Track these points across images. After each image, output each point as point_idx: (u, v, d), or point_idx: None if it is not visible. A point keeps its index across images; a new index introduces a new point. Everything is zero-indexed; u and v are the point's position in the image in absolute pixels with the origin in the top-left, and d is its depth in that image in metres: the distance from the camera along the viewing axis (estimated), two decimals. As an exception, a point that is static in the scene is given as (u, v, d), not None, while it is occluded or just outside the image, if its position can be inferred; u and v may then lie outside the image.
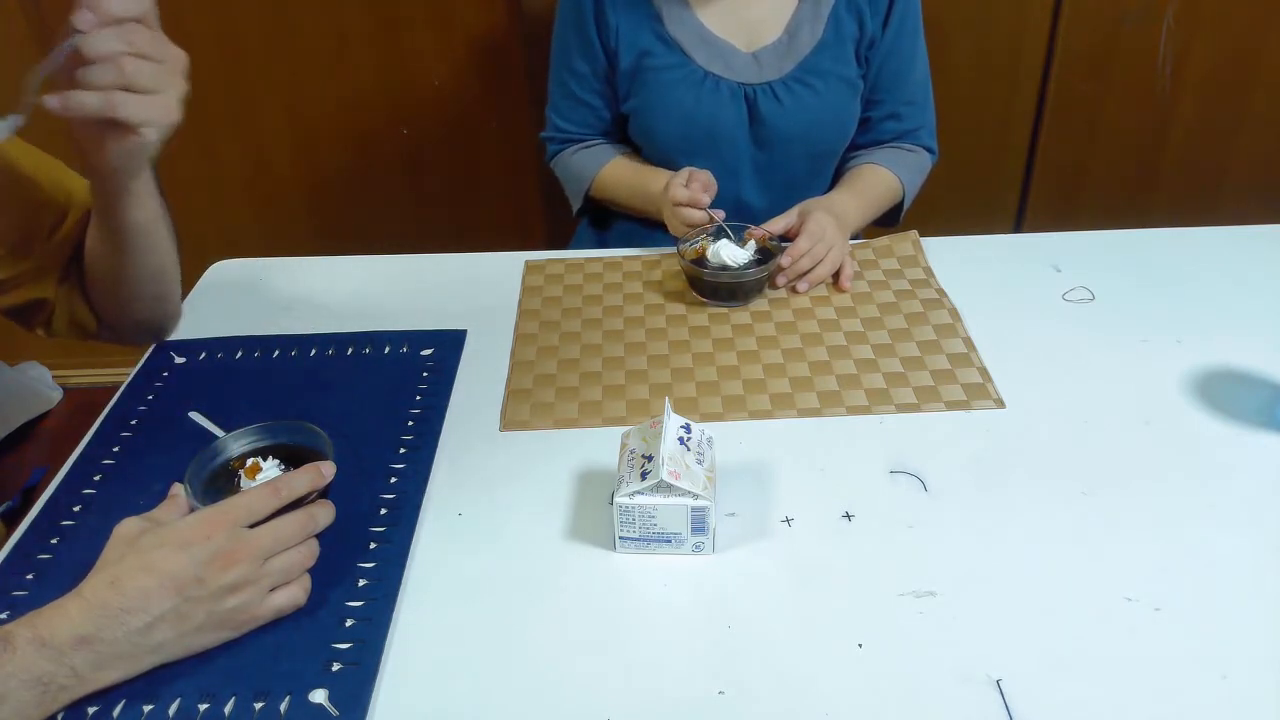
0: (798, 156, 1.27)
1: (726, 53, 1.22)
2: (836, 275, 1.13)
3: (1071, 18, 1.78)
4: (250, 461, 0.80)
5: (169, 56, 0.68)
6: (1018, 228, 2.05)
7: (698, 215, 1.12)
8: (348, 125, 1.89)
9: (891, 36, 1.23)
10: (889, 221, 1.33)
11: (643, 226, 1.35)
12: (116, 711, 0.66)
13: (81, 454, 0.90)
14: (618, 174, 1.32)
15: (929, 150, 1.34)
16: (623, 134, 1.36)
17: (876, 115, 1.30)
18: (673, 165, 1.27)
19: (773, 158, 1.27)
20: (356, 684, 0.67)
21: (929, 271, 1.15)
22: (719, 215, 1.12)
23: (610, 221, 1.41)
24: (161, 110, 0.69)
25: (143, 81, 0.66)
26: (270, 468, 0.80)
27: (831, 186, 1.32)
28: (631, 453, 0.79)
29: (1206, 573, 0.75)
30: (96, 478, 0.87)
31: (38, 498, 0.85)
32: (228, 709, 0.66)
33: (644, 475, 0.75)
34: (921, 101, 1.31)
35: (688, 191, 1.12)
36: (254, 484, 0.77)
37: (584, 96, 1.31)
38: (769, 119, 1.23)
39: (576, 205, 1.36)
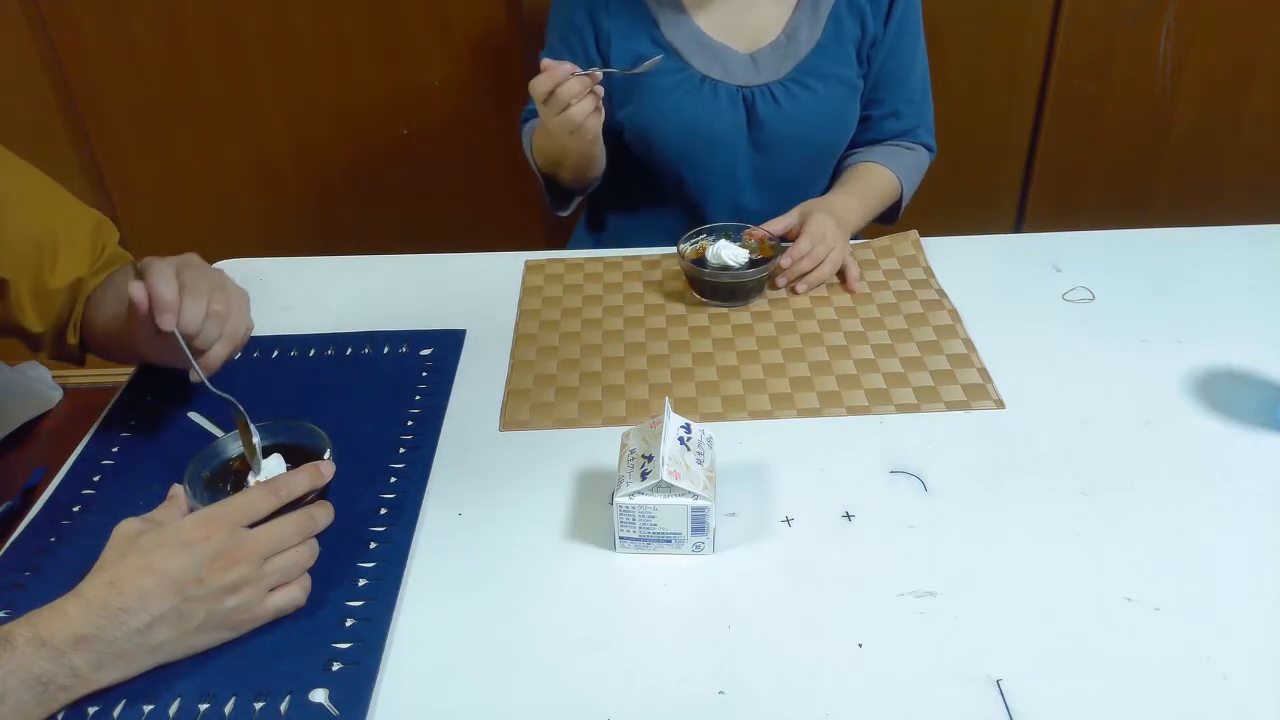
0: (796, 158, 1.27)
1: (724, 56, 1.22)
2: (844, 276, 1.12)
3: (1071, 18, 1.78)
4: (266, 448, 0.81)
5: (235, 299, 0.86)
6: (1018, 228, 2.04)
7: (571, 86, 1.02)
8: (348, 125, 1.89)
9: (894, 35, 1.23)
10: (886, 219, 1.33)
11: (640, 226, 1.35)
12: (116, 711, 0.66)
13: (81, 454, 0.90)
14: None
15: (928, 148, 1.34)
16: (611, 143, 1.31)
17: (878, 114, 1.29)
18: (670, 171, 1.26)
19: (771, 160, 1.26)
20: (356, 684, 0.67)
21: (929, 272, 1.15)
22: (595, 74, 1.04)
23: (607, 221, 1.40)
24: (246, 329, 0.88)
25: (235, 328, 0.85)
26: (272, 463, 0.80)
27: (830, 185, 1.31)
28: (631, 453, 0.79)
29: (1206, 573, 0.75)
30: (96, 478, 0.87)
31: (38, 498, 0.85)
32: (228, 709, 0.66)
33: (644, 475, 0.75)
34: (921, 99, 1.31)
35: (549, 75, 1.03)
36: (254, 482, 0.77)
37: None
38: (767, 121, 1.22)
39: (539, 179, 1.29)
